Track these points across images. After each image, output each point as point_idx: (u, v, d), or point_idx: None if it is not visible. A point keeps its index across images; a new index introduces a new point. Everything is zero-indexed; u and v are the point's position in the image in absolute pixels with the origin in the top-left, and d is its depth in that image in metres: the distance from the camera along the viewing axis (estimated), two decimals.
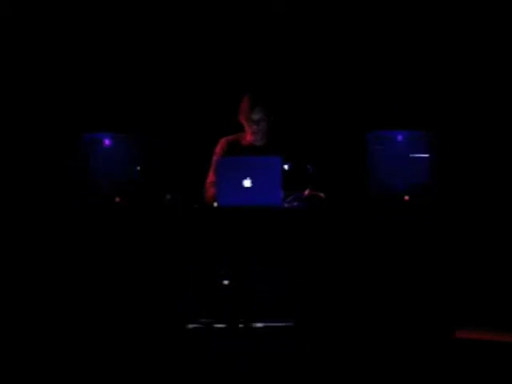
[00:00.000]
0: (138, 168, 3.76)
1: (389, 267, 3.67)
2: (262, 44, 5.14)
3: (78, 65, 5.03)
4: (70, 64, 5.02)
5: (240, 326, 3.61)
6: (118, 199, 3.76)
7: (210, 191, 4.30)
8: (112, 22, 5.06)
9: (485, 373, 3.76)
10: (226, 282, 3.70)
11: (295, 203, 3.89)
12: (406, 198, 3.80)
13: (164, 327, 3.63)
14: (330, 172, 4.20)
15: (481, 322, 4.29)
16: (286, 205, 3.86)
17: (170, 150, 4.58)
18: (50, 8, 4.98)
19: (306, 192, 3.95)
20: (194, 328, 3.61)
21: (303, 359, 3.62)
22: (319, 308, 3.65)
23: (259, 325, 3.62)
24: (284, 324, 3.62)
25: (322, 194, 3.95)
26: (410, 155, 3.86)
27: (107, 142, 3.82)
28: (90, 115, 4.87)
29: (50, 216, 3.83)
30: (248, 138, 4.46)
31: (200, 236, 3.67)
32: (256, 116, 4.38)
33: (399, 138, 3.89)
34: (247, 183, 3.68)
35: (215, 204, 3.78)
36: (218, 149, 4.49)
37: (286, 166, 3.98)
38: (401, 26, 5.06)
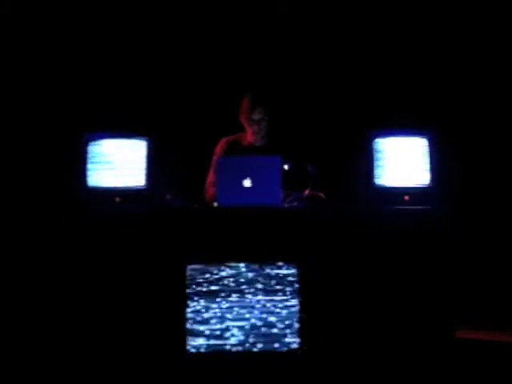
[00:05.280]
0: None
1: (389, 268, 3.67)
2: (262, 44, 5.15)
3: (79, 65, 5.04)
4: (71, 64, 5.03)
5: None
6: (117, 199, 3.76)
7: (210, 191, 4.30)
8: (112, 22, 5.06)
9: (485, 373, 3.76)
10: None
11: (295, 203, 3.89)
12: (406, 198, 3.80)
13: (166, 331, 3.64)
14: (329, 172, 4.20)
15: (481, 322, 4.30)
16: (286, 205, 3.87)
17: (170, 150, 4.58)
18: (51, 8, 4.98)
19: (306, 192, 3.96)
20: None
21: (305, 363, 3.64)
22: (319, 307, 3.65)
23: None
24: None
25: (322, 194, 3.95)
26: (411, 155, 3.85)
27: (107, 142, 3.81)
28: (89, 115, 4.87)
29: (48, 217, 3.82)
30: (248, 138, 4.46)
31: (200, 236, 3.67)
32: (256, 116, 4.38)
33: (400, 138, 3.89)
34: (247, 183, 3.68)
35: (215, 204, 3.78)
36: (218, 149, 4.49)
37: (285, 166, 3.98)
38: (401, 27, 5.06)
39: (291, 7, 5.13)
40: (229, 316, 3.64)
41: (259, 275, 3.66)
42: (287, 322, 3.65)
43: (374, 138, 3.86)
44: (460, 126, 4.88)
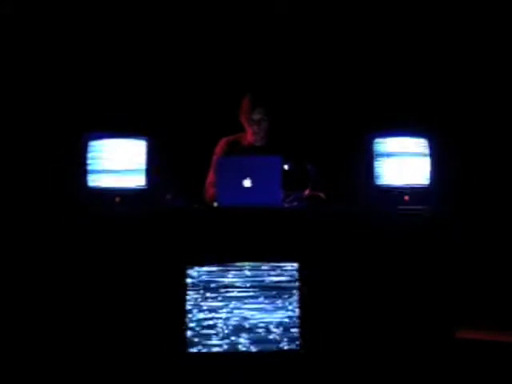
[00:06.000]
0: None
1: (389, 268, 3.67)
2: (262, 44, 5.14)
3: (79, 65, 5.04)
4: (71, 64, 5.02)
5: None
6: (117, 199, 3.77)
7: (210, 191, 4.30)
8: (112, 22, 5.06)
9: (485, 373, 3.76)
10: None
11: (295, 203, 3.89)
12: (406, 198, 3.80)
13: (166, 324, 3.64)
14: (329, 172, 4.20)
15: (481, 322, 4.29)
16: (286, 205, 3.87)
17: (170, 150, 4.58)
18: (51, 8, 4.98)
19: (306, 192, 3.96)
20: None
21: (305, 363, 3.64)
22: (319, 307, 3.65)
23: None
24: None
25: (322, 194, 3.95)
26: (410, 155, 3.86)
27: (107, 142, 3.81)
28: (90, 115, 4.87)
29: (48, 217, 3.82)
30: (248, 138, 4.46)
31: (200, 236, 3.67)
32: (256, 116, 4.38)
33: (400, 138, 3.89)
34: (247, 183, 3.68)
35: (215, 204, 3.78)
36: (218, 149, 4.49)
37: (285, 166, 3.98)
38: (401, 28, 5.06)
39: (291, 7, 5.13)
40: (229, 316, 3.64)
41: (259, 275, 3.66)
42: (287, 322, 3.65)
43: (374, 138, 3.86)
44: (460, 125, 4.88)
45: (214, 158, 4.44)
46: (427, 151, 3.83)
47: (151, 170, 3.80)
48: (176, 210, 3.76)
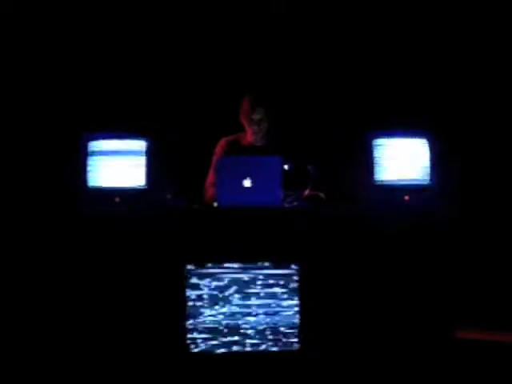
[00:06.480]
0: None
1: (389, 267, 3.67)
2: (262, 44, 5.15)
3: (79, 65, 5.04)
4: (71, 64, 5.02)
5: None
6: (117, 199, 3.77)
7: (210, 191, 4.30)
8: (112, 22, 5.06)
9: (485, 373, 3.76)
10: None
11: (295, 203, 3.89)
12: (406, 198, 3.80)
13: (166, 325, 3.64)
14: (329, 172, 4.20)
15: (481, 322, 4.29)
16: (286, 205, 3.87)
17: (170, 150, 4.58)
18: (51, 8, 4.98)
19: (306, 192, 3.96)
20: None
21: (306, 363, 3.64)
22: (319, 307, 3.65)
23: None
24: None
25: (322, 194, 3.95)
26: (411, 155, 3.86)
27: (107, 142, 3.81)
28: (90, 115, 4.87)
29: (49, 217, 3.82)
30: (248, 138, 4.47)
31: (200, 236, 3.67)
32: (256, 116, 4.39)
33: (400, 138, 3.89)
34: (247, 183, 3.69)
35: (215, 204, 3.79)
36: (218, 149, 4.50)
37: (285, 166, 3.98)
38: (401, 27, 5.06)
39: (288, 8, 5.13)
40: (229, 316, 3.64)
41: (259, 275, 3.66)
42: (287, 322, 3.65)
43: (374, 137, 3.86)
44: (460, 125, 4.88)
45: (214, 158, 4.44)
46: (427, 151, 3.83)
47: (151, 169, 3.79)
48: (176, 210, 3.76)
